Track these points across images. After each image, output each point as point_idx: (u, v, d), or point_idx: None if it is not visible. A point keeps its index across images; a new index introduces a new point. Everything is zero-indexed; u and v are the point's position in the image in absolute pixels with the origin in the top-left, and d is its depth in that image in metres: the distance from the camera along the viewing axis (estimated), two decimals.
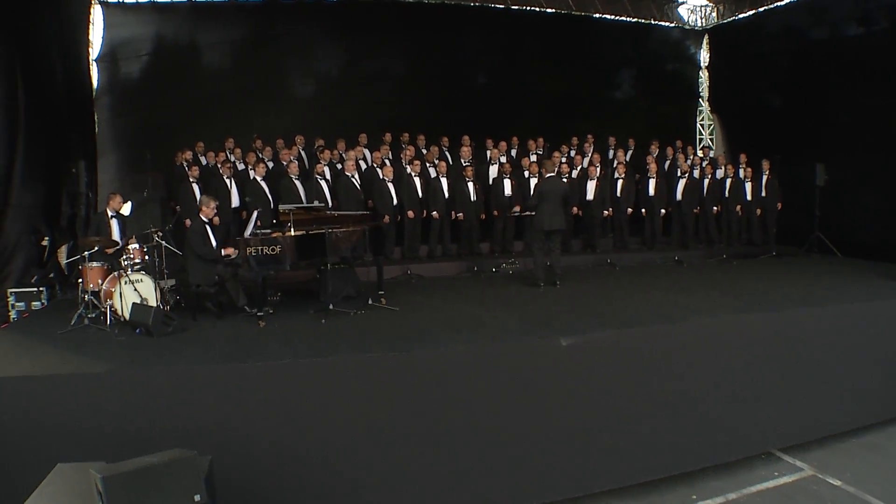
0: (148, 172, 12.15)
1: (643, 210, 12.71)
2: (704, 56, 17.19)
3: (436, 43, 14.98)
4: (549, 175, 9.72)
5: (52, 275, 10.08)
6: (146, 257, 8.45)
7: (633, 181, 12.65)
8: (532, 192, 10.12)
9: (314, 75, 14.89)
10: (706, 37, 17.21)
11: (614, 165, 13.09)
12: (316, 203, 8.65)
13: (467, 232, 11.72)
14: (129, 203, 13.17)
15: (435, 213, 11.37)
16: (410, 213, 11.19)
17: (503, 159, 12.48)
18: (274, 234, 8.20)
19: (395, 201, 11.13)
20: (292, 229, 7.76)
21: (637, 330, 7.17)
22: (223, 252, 8.08)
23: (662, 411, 7.07)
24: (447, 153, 12.74)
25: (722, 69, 16.73)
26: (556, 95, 15.81)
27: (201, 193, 10.68)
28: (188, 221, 10.35)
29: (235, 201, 10.79)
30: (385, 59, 15.13)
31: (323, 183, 10.68)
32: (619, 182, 12.50)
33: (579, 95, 16.19)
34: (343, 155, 11.58)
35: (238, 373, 6.12)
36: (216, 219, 8.65)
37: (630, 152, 13.62)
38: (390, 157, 12.08)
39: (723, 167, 13.28)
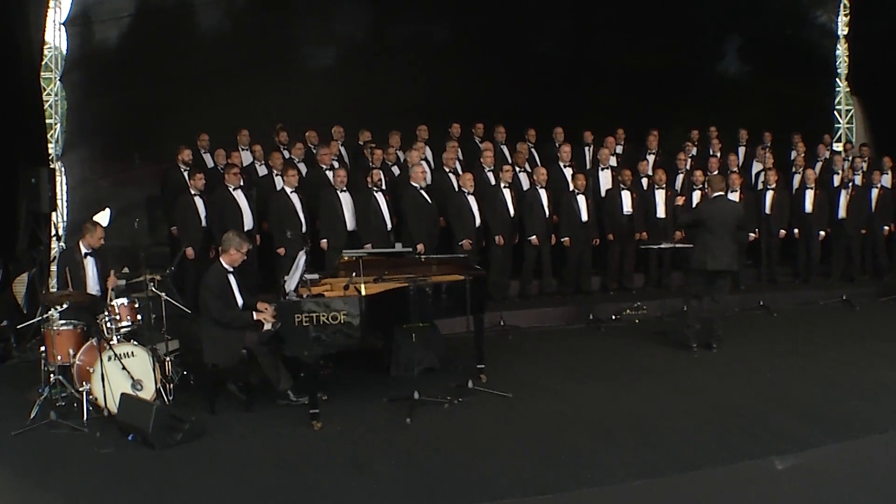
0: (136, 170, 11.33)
1: (796, 231, 10.94)
2: (842, 22, 15.39)
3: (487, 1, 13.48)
4: (716, 194, 8.06)
5: (4, 322, 8.37)
6: (138, 317, 6.66)
7: (788, 193, 10.85)
8: (690, 214, 8.51)
9: (335, 41, 13.45)
10: None
11: (757, 171, 11.30)
12: (398, 246, 6.84)
13: (575, 263, 9.94)
14: (107, 211, 11.44)
15: (533, 237, 9.65)
16: (499, 239, 9.43)
17: (613, 161, 10.61)
18: (326, 286, 6.50)
19: (477, 222, 9.28)
20: (362, 286, 5.82)
21: (874, 439, 5.93)
22: (254, 316, 6.20)
23: None
24: (535, 152, 10.91)
25: (866, 39, 14.91)
26: (641, 72, 14.16)
27: (207, 210, 8.82)
28: (189, 251, 8.52)
29: (249, 222, 8.82)
30: (422, 22, 13.75)
31: (379, 196, 8.70)
32: (769, 194, 10.64)
33: (673, 72, 14.42)
34: (402, 156, 9.72)
35: None
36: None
37: (767, 150, 11.62)
38: (461, 158, 10.28)
39: (889, 171, 11.53)
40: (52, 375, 6.34)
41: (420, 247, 8.47)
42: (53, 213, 9.47)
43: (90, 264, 7.01)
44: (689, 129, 12.52)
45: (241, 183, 8.82)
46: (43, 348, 6.46)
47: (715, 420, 6.15)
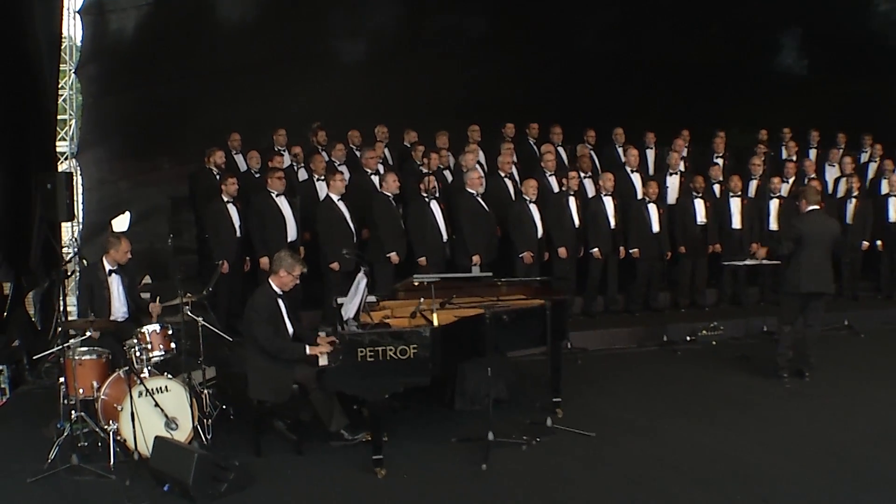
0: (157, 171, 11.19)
1: (878, 243, 10.24)
2: None
3: None
4: (810, 208, 7.38)
5: (16, 342, 7.71)
6: (172, 345, 5.97)
7: (871, 201, 10.15)
8: (788, 233, 7.78)
9: (366, 34, 13.15)
10: None
11: (835, 177, 10.65)
12: (475, 270, 6.14)
13: (644, 278, 9.30)
14: (126, 214, 10.96)
15: (596, 249, 9.00)
16: (563, 251, 8.72)
17: (682, 167, 9.94)
18: (386, 311, 5.87)
19: (539, 232, 8.58)
20: (434, 314, 5.14)
21: None
22: (308, 351, 5.51)
23: None
24: (595, 157, 10.19)
25: None
26: (692, 67, 13.58)
27: (241, 219, 8.08)
28: (225, 265, 7.78)
29: (292, 233, 8.10)
30: (458, 14, 13.38)
31: (434, 205, 8.03)
32: (852, 203, 9.91)
33: (726, 68, 13.85)
34: (458, 160, 9.09)
35: None
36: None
37: (842, 154, 10.93)
38: (516, 161, 9.54)
39: None
40: (72, 411, 5.66)
41: (476, 258, 7.87)
42: (70, 223, 8.86)
43: (115, 282, 6.33)
44: (746, 129, 11.97)
45: (283, 188, 8.09)
46: (62, 379, 5.79)
47: (823, 464, 5.57)
